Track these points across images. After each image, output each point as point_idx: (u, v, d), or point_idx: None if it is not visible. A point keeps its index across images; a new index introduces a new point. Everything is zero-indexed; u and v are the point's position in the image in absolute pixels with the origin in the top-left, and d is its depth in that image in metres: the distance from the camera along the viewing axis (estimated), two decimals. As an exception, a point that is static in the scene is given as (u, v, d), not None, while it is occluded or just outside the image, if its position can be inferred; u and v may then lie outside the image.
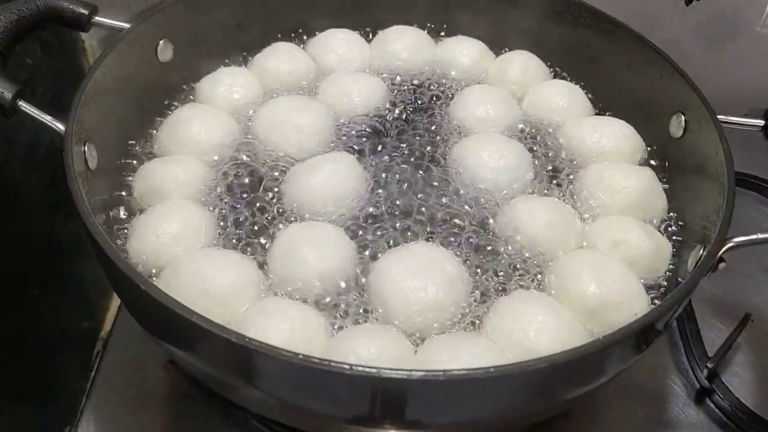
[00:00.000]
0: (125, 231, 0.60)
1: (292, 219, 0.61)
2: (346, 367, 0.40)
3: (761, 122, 0.60)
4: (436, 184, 0.66)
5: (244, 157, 0.66)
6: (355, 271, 0.57)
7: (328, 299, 0.55)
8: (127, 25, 0.65)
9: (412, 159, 0.68)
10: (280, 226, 0.60)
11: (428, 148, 0.69)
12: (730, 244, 0.51)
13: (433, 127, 0.72)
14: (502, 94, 0.74)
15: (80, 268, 0.81)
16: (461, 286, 0.55)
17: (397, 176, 0.66)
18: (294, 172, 0.63)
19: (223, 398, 0.60)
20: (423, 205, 0.63)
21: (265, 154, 0.67)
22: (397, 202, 0.64)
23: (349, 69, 0.78)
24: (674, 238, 0.62)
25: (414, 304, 0.53)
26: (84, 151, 0.56)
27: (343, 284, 0.56)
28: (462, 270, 0.56)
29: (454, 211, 0.63)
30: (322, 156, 0.65)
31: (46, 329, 0.74)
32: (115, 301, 0.81)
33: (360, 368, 0.40)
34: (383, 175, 0.66)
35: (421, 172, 0.67)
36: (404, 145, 0.69)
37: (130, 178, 0.64)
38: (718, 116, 0.60)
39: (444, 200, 0.64)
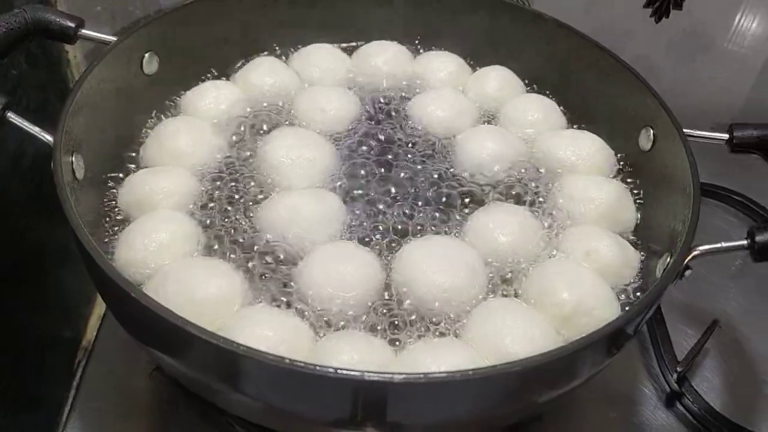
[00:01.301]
0: (112, 240, 0.61)
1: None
2: (331, 370, 0.42)
3: (725, 136, 0.63)
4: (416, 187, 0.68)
5: (229, 171, 0.68)
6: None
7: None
8: (112, 38, 0.66)
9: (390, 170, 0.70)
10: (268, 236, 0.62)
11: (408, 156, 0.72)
12: (695, 252, 0.54)
13: (413, 141, 0.74)
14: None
15: (61, 276, 0.81)
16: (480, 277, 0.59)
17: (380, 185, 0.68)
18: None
19: (208, 405, 0.61)
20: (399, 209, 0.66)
21: (251, 167, 0.69)
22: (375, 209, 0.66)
23: (331, 82, 0.79)
24: (643, 246, 0.65)
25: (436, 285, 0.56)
26: (71, 161, 0.58)
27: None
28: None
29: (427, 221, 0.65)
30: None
31: (27, 337, 0.74)
32: (97, 310, 0.81)
33: (344, 371, 0.42)
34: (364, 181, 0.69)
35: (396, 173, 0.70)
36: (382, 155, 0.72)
37: (117, 189, 0.65)
38: (685, 130, 0.63)
39: (415, 209, 0.66)
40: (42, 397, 0.73)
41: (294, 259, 0.60)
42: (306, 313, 0.56)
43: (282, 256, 0.60)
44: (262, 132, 0.73)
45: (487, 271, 0.60)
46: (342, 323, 0.56)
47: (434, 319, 0.57)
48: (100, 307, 0.79)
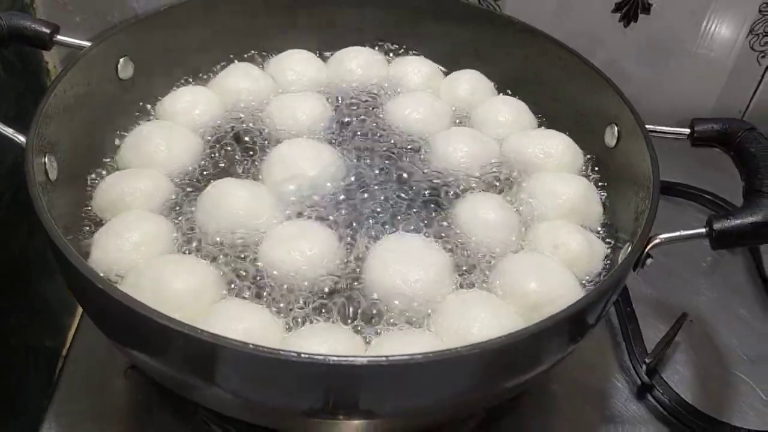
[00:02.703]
0: (86, 243, 0.62)
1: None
2: (294, 355, 0.43)
3: (687, 130, 0.65)
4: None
5: (203, 174, 0.69)
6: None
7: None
8: (87, 44, 0.68)
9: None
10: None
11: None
12: (656, 241, 0.55)
13: (388, 143, 0.75)
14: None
15: (43, 287, 0.82)
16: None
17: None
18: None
19: (183, 403, 0.62)
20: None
21: (224, 170, 0.70)
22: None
23: (307, 87, 0.81)
24: (609, 240, 0.66)
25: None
26: (44, 162, 0.58)
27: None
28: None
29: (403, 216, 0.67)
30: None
31: (10, 347, 0.74)
32: (77, 319, 0.82)
33: (307, 355, 0.43)
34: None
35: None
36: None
37: (91, 191, 0.66)
38: (647, 126, 0.65)
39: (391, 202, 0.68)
40: (25, 407, 0.74)
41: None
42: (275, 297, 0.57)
43: (253, 254, 0.61)
44: (237, 137, 0.74)
45: (454, 273, 0.61)
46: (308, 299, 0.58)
47: (405, 315, 0.58)
48: (79, 316, 0.79)
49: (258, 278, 0.59)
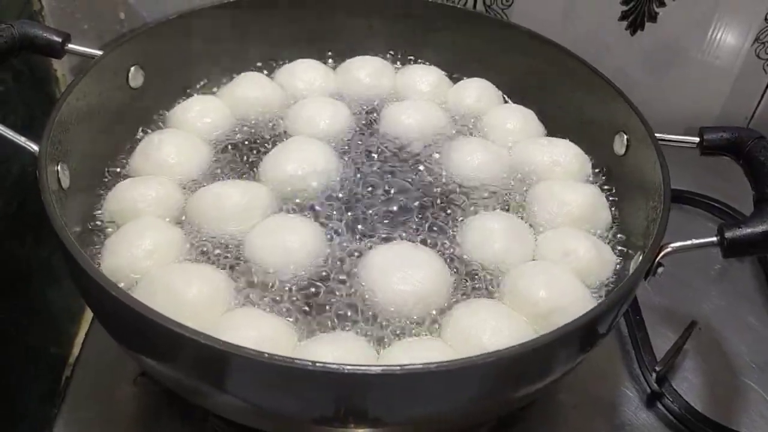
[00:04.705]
0: (97, 249, 0.62)
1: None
2: (309, 364, 0.43)
3: (696, 139, 0.65)
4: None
5: (213, 180, 0.69)
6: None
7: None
8: (99, 52, 0.68)
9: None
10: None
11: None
12: (667, 250, 0.55)
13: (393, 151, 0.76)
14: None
15: (49, 294, 0.82)
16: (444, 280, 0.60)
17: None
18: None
19: (193, 410, 0.62)
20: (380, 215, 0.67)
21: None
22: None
23: (315, 95, 0.81)
24: (619, 247, 0.66)
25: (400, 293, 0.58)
26: (57, 170, 0.59)
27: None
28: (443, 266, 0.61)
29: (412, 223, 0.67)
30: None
31: (14, 355, 0.74)
32: (84, 327, 0.82)
33: (322, 364, 0.43)
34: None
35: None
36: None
37: (103, 199, 0.66)
38: (656, 134, 0.65)
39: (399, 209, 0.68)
40: (29, 415, 0.74)
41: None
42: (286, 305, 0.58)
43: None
44: (246, 145, 0.74)
45: (450, 279, 0.61)
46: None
47: (412, 320, 0.58)
48: (86, 324, 0.79)
49: (271, 286, 0.59)
